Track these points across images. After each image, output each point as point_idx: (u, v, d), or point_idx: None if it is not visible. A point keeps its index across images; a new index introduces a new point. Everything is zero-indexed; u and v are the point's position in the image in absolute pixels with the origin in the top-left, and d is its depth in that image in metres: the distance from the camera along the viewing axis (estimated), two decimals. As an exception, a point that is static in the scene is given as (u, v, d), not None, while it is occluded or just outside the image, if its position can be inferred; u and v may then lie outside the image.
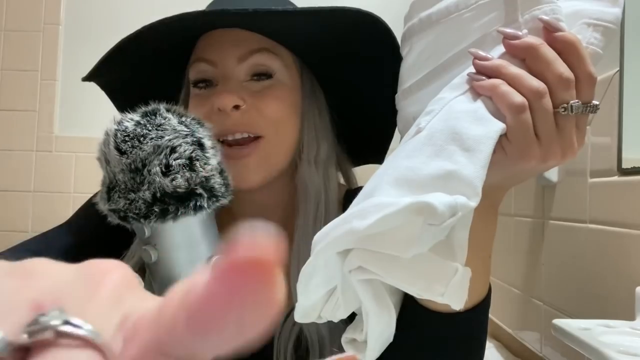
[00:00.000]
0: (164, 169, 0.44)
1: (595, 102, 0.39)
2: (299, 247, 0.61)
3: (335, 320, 0.43)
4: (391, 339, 0.43)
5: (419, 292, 0.37)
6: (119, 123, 0.45)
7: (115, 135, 0.45)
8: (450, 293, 0.36)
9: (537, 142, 0.38)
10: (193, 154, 0.45)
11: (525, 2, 0.40)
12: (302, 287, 0.39)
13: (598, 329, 0.58)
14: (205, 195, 0.45)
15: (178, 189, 0.44)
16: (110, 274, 0.16)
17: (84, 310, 0.14)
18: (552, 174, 0.90)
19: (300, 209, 0.63)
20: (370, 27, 0.58)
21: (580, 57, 0.38)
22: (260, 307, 0.13)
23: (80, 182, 1.67)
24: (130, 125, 0.45)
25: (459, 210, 0.33)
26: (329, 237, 0.36)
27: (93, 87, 0.68)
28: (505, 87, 0.38)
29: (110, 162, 0.45)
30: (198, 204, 0.45)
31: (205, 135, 0.47)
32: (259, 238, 0.12)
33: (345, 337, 0.44)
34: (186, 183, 0.44)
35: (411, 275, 0.36)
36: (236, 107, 0.58)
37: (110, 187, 0.46)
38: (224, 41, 0.60)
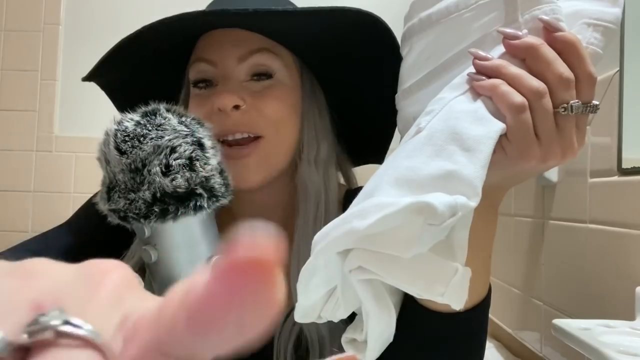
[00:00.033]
0: (164, 169, 0.44)
1: (595, 102, 0.39)
2: (299, 247, 0.61)
3: (335, 320, 0.43)
4: (391, 339, 0.43)
5: (419, 292, 0.37)
6: (119, 123, 0.45)
7: (115, 135, 0.45)
8: (450, 293, 0.36)
9: (537, 142, 0.38)
10: (193, 154, 0.45)
11: (525, 2, 0.40)
12: (302, 287, 0.39)
13: (598, 329, 0.58)
14: (205, 195, 0.45)
15: (178, 189, 0.44)
16: (110, 274, 0.16)
17: (84, 310, 0.14)
18: (552, 174, 0.90)
19: (300, 209, 0.63)
20: (370, 27, 0.58)
21: (580, 57, 0.38)
22: (261, 307, 0.13)
23: (80, 182, 1.67)
24: (130, 125, 0.45)
25: (459, 210, 0.33)
26: (329, 237, 0.36)
27: (93, 87, 0.68)
28: (505, 87, 0.38)
29: (110, 162, 0.45)
30: (198, 204, 0.45)
31: (205, 135, 0.47)
32: (259, 238, 0.12)
33: (345, 337, 0.44)
34: (186, 183, 0.44)
35: (411, 275, 0.36)
36: (236, 107, 0.58)
37: (110, 187, 0.46)
38: (224, 41, 0.60)
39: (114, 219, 0.46)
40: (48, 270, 0.15)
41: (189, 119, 0.47)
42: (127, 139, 0.44)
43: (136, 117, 0.46)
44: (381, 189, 0.37)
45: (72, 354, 0.13)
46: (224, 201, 0.47)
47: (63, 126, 1.69)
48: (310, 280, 0.39)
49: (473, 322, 0.48)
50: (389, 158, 0.41)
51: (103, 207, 0.47)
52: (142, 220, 0.44)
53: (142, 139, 0.44)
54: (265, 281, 0.13)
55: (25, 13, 1.69)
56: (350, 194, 0.67)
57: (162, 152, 0.44)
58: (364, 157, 0.75)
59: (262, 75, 0.60)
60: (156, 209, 0.44)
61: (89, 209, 0.63)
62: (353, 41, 0.60)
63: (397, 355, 0.46)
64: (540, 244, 0.96)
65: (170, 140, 0.44)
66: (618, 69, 0.73)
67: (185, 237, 0.46)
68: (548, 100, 0.38)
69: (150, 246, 0.46)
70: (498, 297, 0.60)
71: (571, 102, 0.38)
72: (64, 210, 1.56)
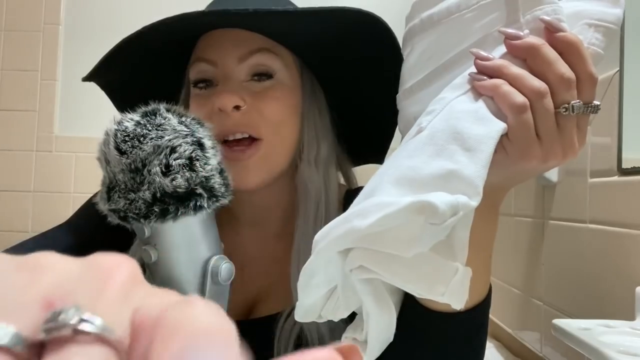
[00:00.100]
0: (164, 169, 0.44)
1: (596, 102, 0.39)
2: (299, 247, 0.61)
3: (336, 320, 0.43)
4: (391, 339, 0.43)
5: (419, 292, 0.37)
6: (119, 123, 0.45)
7: (115, 135, 0.45)
8: (450, 293, 0.36)
9: (538, 142, 0.38)
10: (193, 154, 0.45)
11: (526, 3, 0.40)
12: (303, 286, 0.39)
13: (598, 329, 0.58)
14: (205, 195, 0.45)
15: (178, 189, 0.44)
16: (118, 269, 0.16)
17: (94, 307, 0.14)
18: (552, 174, 0.90)
19: (300, 209, 0.63)
20: (371, 27, 0.58)
21: (581, 58, 0.38)
22: None
23: (80, 182, 1.67)
24: (130, 125, 0.45)
25: (460, 209, 0.33)
26: (330, 236, 0.36)
27: (93, 87, 0.68)
28: (506, 87, 0.38)
29: (110, 162, 0.45)
30: (198, 204, 0.45)
31: (205, 135, 0.47)
32: None
33: (345, 337, 0.44)
34: (186, 183, 0.44)
35: (412, 274, 0.36)
36: (237, 107, 0.58)
37: (110, 187, 0.46)
38: (224, 41, 0.60)
39: (114, 219, 0.46)
40: (54, 265, 0.15)
41: (189, 119, 0.47)
42: (127, 139, 0.44)
43: (136, 117, 0.46)
44: (382, 188, 0.37)
45: (88, 351, 0.13)
46: (224, 201, 0.47)
47: (63, 126, 1.69)
48: (310, 280, 0.39)
49: (473, 322, 0.48)
50: (390, 158, 0.41)
51: (103, 207, 0.47)
52: (142, 220, 0.44)
53: (142, 139, 0.44)
54: None
55: (25, 13, 1.69)
56: (350, 194, 0.67)
57: (162, 152, 0.44)
58: (364, 157, 0.75)
59: (263, 75, 0.60)
60: (156, 209, 0.44)
61: (89, 209, 0.63)
62: (353, 41, 0.60)
63: (397, 354, 0.46)
64: (540, 244, 0.96)
65: (170, 140, 0.44)
66: (618, 69, 0.73)
67: (185, 237, 0.46)
68: (549, 101, 0.38)
69: (150, 246, 0.46)
70: (498, 297, 0.60)
71: (572, 102, 0.38)
72: (64, 210, 1.56)
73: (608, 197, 0.75)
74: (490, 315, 0.50)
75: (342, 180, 0.71)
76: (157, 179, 0.43)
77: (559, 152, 0.39)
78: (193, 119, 0.48)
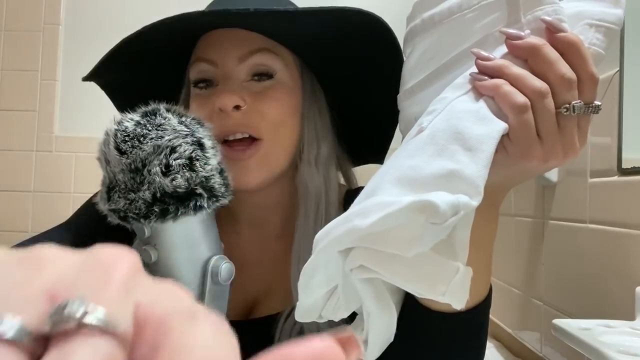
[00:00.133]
0: (164, 169, 0.44)
1: (597, 102, 0.39)
2: (299, 247, 0.61)
3: (336, 320, 0.43)
4: (392, 339, 0.43)
5: (420, 291, 0.37)
6: (119, 123, 0.45)
7: (115, 135, 0.45)
8: (451, 292, 0.36)
9: (539, 142, 0.38)
10: (193, 154, 0.45)
11: (527, 3, 0.40)
12: (303, 286, 0.39)
13: (598, 329, 0.58)
14: (205, 195, 0.45)
15: (178, 189, 0.44)
16: (119, 261, 0.16)
17: (97, 299, 0.14)
18: (552, 174, 0.90)
19: (300, 210, 0.63)
20: (371, 27, 0.58)
21: (582, 58, 0.38)
22: None
23: (80, 182, 1.67)
24: (130, 125, 0.45)
25: (461, 209, 0.33)
26: (331, 235, 0.36)
27: (93, 87, 0.68)
28: (507, 87, 0.38)
29: (110, 162, 0.45)
30: (198, 204, 0.45)
31: (205, 135, 0.47)
32: None
33: (345, 337, 0.44)
34: (186, 183, 0.44)
35: (412, 274, 0.36)
36: (237, 107, 0.58)
37: (110, 187, 0.46)
38: (224, 41, 0.60)
39: (114, 219, 0.46)
40: (55, 258, 0.16)
41: (189, 119, 0.47)
42: (127, 139, 0.44)
43: (136, 117, 0.46)
44: (383, 188, 0.37)
45: (94, 343, 0.13)
46: (224, 201, 0.47)
47: (63, 126, 1.69)
48: (311, 280, 0.39)
49: (474, 322, 0.48)
50: (391, 157, 0.41)
51: (103, 207, 0.47)
52: (142, 220, 0.44)
53: (142, 139, 0.44)
54: None
55: (25, 13, 1.69)
56: (350, 194, 0.67)
57: (162, 152, 0.44)
58: (364, 157, 0.75)
59: (263, 75, 0.60)
60: (156, 209, 0.44)
61: (89, 209, 0.63)
62: (354, 41, 0.60)
63: (398, 354, 0.46)
64: (540, 244, 0.96)
65: (170, 140, 0.44)
66: (618, 69, 0.73)
67: (185, 237, 0.46)
68: (550, 101, 0.38)
69: (150, 246, 0.46)
70: (498, 297, 0.60)
71: (573, 102, 0.38)
72: (64, 210, 1.56)
73: (608, 197, 0.75)
74: (490, 315, 0.50)
75: (342, 181, 0.71)
76: (157, 179, 0.43)
77: (559, 152, 0.39)
78: (193, 119, 0.48)
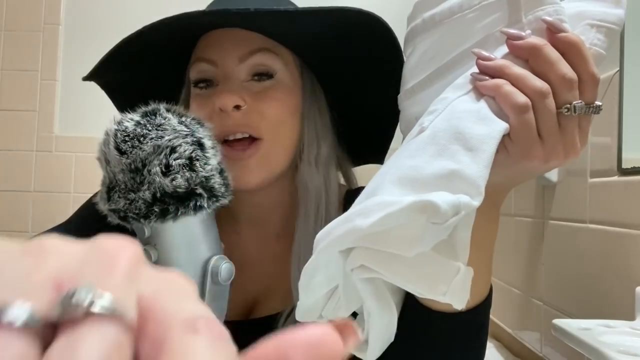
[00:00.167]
0: (164, 169, 0.44)
1: (598, 102, 0.39)
2: (299, 247, 0.61)
3: (336, 320, 0.43)
4: (392, 339, 0.43)
5: (420, 291, 0.37)
6: (119, 123, 0.45)
7: (115, 135, 0.45)
8: (452, 292, 0.36)
9: (539, 142, 0.38)
10: (193, 154, 0.45)
11: (528, 3, 0.40)
12: (304, 286, 0.39)
13: (598, 329, 0.58)
14: (205, 195, 0.45)
15: (178, 189, 0.44)
16: (123, 251, 0.16)
17: (104, 288, 0.14)
18: (552, 174, 0.90)
19: (300, 210, 0.63)
20: (371, 27, 0.58)
21: (583, 58, 0.38)
22: None
23: (80, 182, 1.67)
24: (130, 125, 0.45)
25: (462, 209, 0.33)
26: (332, 235, 0.36)
27: (93, 87, 0.68)
28: (508, 87, 0.38)
29: (110, 162, 0.45)
30: (198, 204, 0.45)
31: (205, 135, 0.47)
32: None
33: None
34: (186, 183, 0.44)
35: (413, 274, 0.36)
36: (237, 107, 0.58)
37: (110, 187, 0.46)
38: (224, 41, 0.60)
39: (114, 219, 0.46)
40: (59, 248, 0.16)
41: (189, 119, 0.47)
42: (127, 139, 0.44)
43: (136, 117, 0.46)
44: (384, 187, 0.37)
45: (102, 329, 0.13)
46: (224, 201, 0.47)
47: (63, 126, 1.69)
48: (312, 279, 0.39)
49: (474, 322, 0.48)
50: (392, 157, 0.41)
51: (103, 207, 0.47)
52: (142, 220, 0.44)
53: (142, 139, 0.44)
54: None
55: (25, 13, 1.69)
56: (350, 194, 0.67)
57: (162, 152, 0.44)
58: (364, 157, 0.75)
59: (263, 75, 0.60)
60: (156, 209, 0.44)
61: (88, 209, 0.63)
62: (354, 41, 0.60)
63: (398, 354, 0.46)
64: (540, 244, 0.96)
65: (170, 140, 0.44)
66: (618, 69, 0.73)
67: (185, 237, 0.46)
68: (551, 101, 0.38)
69: (150, 246, 0.46)
70: (498, 297, 0.60)
71: (574, 102, 0.38)
72: (64, 210, 1.56)
73: (608, 197, 0.75)
74: (490, 315, 0.50)
75: (342, 181, 0.71)
76: (157, 179, 0.43)
77: (560, 152, 0.39)
78: (193, 119, 0.48)
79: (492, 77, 0.38)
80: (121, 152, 0.44)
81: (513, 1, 0.40)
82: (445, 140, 0.37)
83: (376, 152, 0.74)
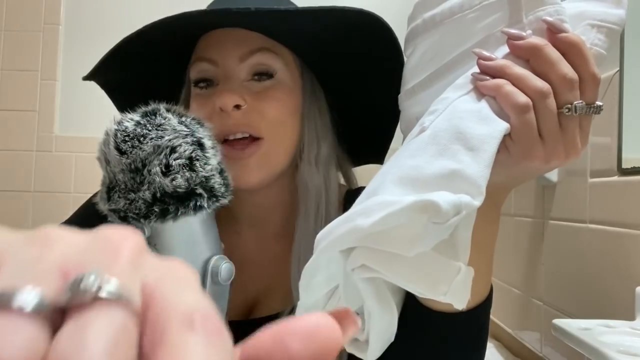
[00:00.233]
0: (164, 169, 0.44)
1: (599, 102, 0.39)
2: (299, 247, 0.61)
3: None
4: (393, 339, 0.43)
5: (421, 291, 0.37)
6: (119, 123, 0.45)
7: (115, 135, 0.45)
8: (452, 292, 0.36)
9: (540, 142, 0.38)
10: (193, 154, 0.45)
11: (529, 3, 0.40)
12: (305, 286, 0.39)
13: (598, 329, 0.58)
14: (205, 195, 0.45)
15: (178, 189, 0.44)
16: (126, 240, 0.16)
17: (110, 274, 0.15)
18: (552, 174, 0.90)
19: (300, 209, 0.63)
20: (372, 27, 0.58)
21: (584, 58, 0.38)
22: None
23: (80, 182, 1.67)
24: (130, 125, 0.45)
25: (463, 209, 0.33)
26: (333, 234, 0.36)
27: (93, 87, 0.67)
28: (509, 87, 0.38)
29: (110, 162, 0.45)
30: (198, 203, 0.45)
31: (205, 135, 0.47)
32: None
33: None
34: (186, 183, 0.44)
35: (414, 273, 0.36)
36: (237, 106, 0.58)
37: (110, 187, 0.46)
38: (225, 40, 0.60)
39: (114, 219, 0.46)
40: (63, 237, 0.16)
41: (189, 119, 0.47)
42: (127, 139, 0.44)
43: (136, 117, 0.46)
44: (385, 187, 0.37)
45: (110, 314, 0.14)
46: (224, 201, 0.47)
47: (63, 126, 1.69)
48: (312, 279, 0.39)
49: (475, 322, 0.48)
50: (392, 157, 0.41)
51: (103, 207, 0.47)
52: (142, 220, 0.44)
53: (142, 139, 0.44)
54: None
55: (25, 13, 1.69)
56: (350, 194, 0.67)
57: (162, 152, 0.44)
58: (364, 157, 0.75)
59: (263, 74, 0.60)
60: (156, 209, 0.44)
61: (88, 209, 0.63)
62: (354, 41, 0.60)
63: (399, 354, 0.46)
64: (540, 244, 0.96)
65: (170, 140, 0.44)
66: (618, 69, 0.73)
67: (185, 237, 0.46)
68: (552, 101, 0.38)
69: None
70: (498, 297, 0.60)
71: (575, 102, 0.38)
72: (64, 210, 1.55)
73: (608, 197, 0.75)
74: (490, 315, 0.50)
75: (342, 181, 0.71)
76: (157, 179, 0.43)
77: (561, 152, 0.39)
78: (193, 118, 0.48)
79: (493, 77, 0.38)
80: (121, 152, 0.44)
81: (514, 1, 0.40)
82: (446, 140, 0.37)
83: (376, 152, 0.74)
